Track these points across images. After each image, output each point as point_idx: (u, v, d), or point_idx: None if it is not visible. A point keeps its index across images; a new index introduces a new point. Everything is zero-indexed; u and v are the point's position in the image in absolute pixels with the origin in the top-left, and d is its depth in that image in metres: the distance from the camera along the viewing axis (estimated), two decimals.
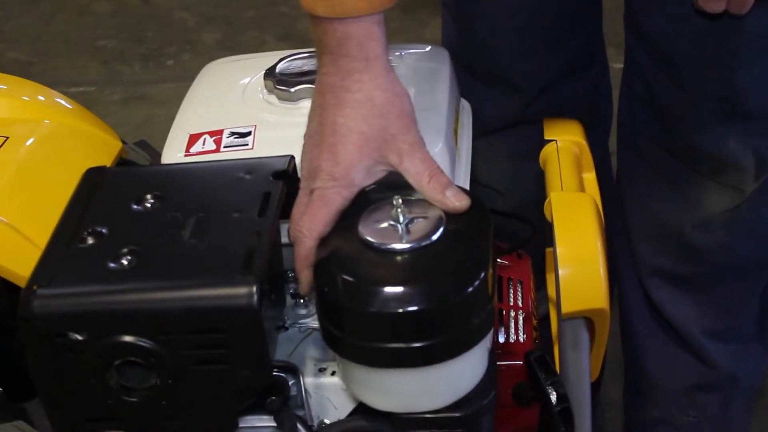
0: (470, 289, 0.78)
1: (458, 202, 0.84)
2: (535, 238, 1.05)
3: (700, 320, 1.29)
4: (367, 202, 0.85)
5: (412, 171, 0.85)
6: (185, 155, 0.98)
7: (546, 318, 1.12)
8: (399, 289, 0.78)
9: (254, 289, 0.78)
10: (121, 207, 0.87)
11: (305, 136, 0.88)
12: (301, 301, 0.97)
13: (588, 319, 0.98)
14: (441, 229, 0.82)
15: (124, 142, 1.23)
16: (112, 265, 0.81)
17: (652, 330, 1.33)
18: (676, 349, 1.32)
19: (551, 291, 1.12)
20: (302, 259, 0.86)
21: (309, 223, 0.85)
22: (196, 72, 1.22)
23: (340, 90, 0.85)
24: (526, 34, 1.22)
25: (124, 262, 0.81)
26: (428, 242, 0.81)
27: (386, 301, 0.78)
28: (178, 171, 0.94)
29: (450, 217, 0.83)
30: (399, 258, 0.80)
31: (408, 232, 0.82)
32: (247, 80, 1.07)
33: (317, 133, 0.86)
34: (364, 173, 0.86)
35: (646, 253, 1.28)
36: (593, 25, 1.27)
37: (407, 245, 0.81)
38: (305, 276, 0.86)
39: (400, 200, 0.83)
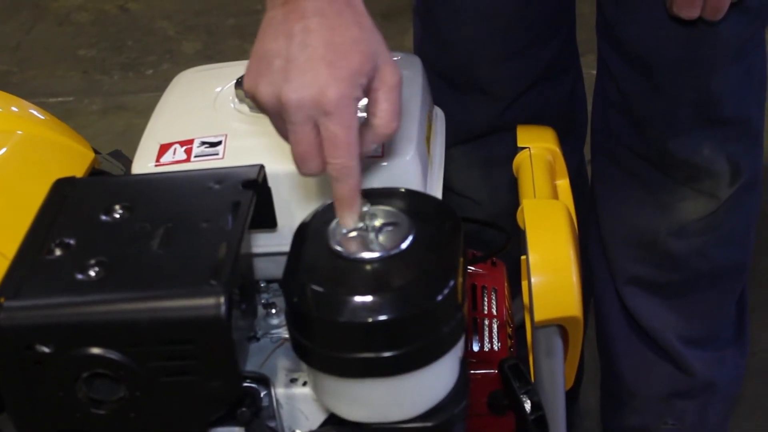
0: (439, 297, 0.78)
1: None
2: (509, 246, 1.05)
3: (677, 327, 1.29)
4: (334, 213, 0.85)
5: (383, 106, 0.80)
6: (156, 165, 0.97)
7: (522, 326, 1.12)
8: (368, 298, 0.77)
9: (222, 299, 0.77)
10: (90, 218, 0.87)
11: (263, 63, 0.80)
12: (273, 311, 0.96)
13: (561, 326, 0.98)
14: (410, 238, 0.81)
15: (97, 152, 1.22)
16: (79, 276, 0.80)
17: (628, 337, 1.33)
18: (653, 357, 1.32)
19: (526, 298, 1.12)
20: (353, 191, 0.80)
21: (345, 151, 0.78)
22: None
23: (331, 14, 0.78)
24: (499, 41, 1.22)
25: (92, 273, 0.80)
26: (397, 251, 0.80)
27: (355, 310, 0.77)
28: (148, 181, 0.93)
29: (420, 225, 0.83)
30: (368, 267, 0.80)
31: (377, 240, 0.81)
32: (218, 89, 1.06)
33: (304, 55, 0.77)
34: (361, 87, 0.79)
35: (621, 260, 1.28)
36: (567, 31, 1.27)
37: (376, 254, 0.80)
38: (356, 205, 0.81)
39: (369, 209, 0.83)
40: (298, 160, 0.81)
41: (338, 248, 0.81)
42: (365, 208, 0.83)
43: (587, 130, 1.36)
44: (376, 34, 0.81)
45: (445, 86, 1.24)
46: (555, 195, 1.05)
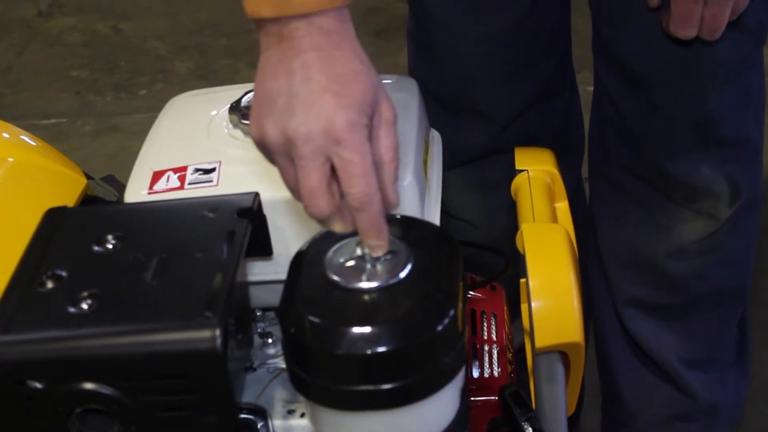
0: (440, 327, 0.77)
1: (395, 199, 0.80)
2: (508, 270, 1.03)
3: (678, 349, 1.27)
4: (331, 242, 0.83)
5: (385, 143, 0.78)
6: (149, 193, 0.96)
7: (522, 350, 1.10)
8: (366, 329, 0.76)
9: (217, 332, 0.76)
10: (82, 249, 0.85)
11: (266, 103, 0.77)
12: (269, 340, 0.95)
13: (563, 352, 0.96)
14: (409, 266, 0.80)
15: (90, 178, 1.21)
16: (71, 309, 0.79)
17: (629, 360, 1.31)
18: (654, 379, 1.30)
19: (526, 322, 1.10)
20: (378, 219, 0.78)
21: (362, 179, 0.75)
22: None
23: (330, 48, 0.76)
24: (494, 62, 1.21)
25: (84, 306, 0.79)
26: (396, 280, 0.79)
27: (353, 342, 0.76)
28: (141, 210, 0.92)
29: (418, 253, 0.81)
30: (366, 297, 0.79)
31: (375, 270, 0.80)
32: (212, 114, 1.05)
33: (307, 89, 0.75)
34: (368, 119, 0.77)
35: (620, 281, 1.27)
36: (562, 51, 1.25)
37: (374, 284, 0.79)
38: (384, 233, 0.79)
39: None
40: (308, 198, 0.77)
41: (336, 278, 0.80)
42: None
43: (584, 148, 1.35)
44: (373, 68, 0.79)
45: (440, 109, 1.23)
46: (554, 218, 1.04)
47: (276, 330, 0.96)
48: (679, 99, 1.12)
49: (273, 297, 0.97)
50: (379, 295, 0.78)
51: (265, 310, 0.99)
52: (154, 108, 2.76)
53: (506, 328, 1.10)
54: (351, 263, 0.81)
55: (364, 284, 0.79)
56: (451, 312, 0.77)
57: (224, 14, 3.14)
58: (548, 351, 0.95)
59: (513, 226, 1.26)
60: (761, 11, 1.05)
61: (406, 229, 0.85)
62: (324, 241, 0.84)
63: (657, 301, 1.25)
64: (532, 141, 1.22)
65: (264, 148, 0.79)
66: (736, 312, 1.28)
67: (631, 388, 1.34)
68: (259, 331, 0.96)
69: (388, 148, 0.79)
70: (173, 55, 2.97)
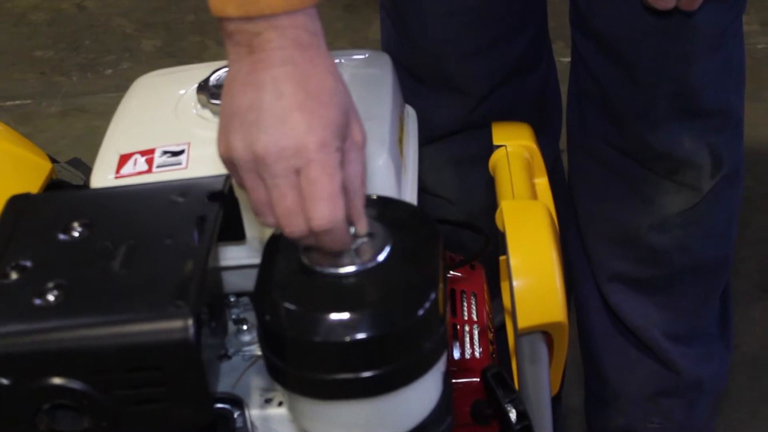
0: (420, 311, 0.74)
1: (364, 227, 0.77)
2: (488, 249, 1.01)
3: (662, 324, 1.26)
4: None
5: (355, 167, 0.75)
6: (116, 177, 0.92)
7: (502, 327, 1.08)
8: (344, 315, 0.73)
9: (189, 321, 0.73)
10: (47, 237, 0.82)
11: (234, 118, 0.73)
12: (244, 327, 0.92)
13: (546, 332, 0.94)
14: (387, 249, 0.77)
15: (55, 161, 1.17)
16: (37, 301, 0.75)
17: (611, 336, 1.29)
18: (638, 355, 1.28)
19: (507, 301, 1.08)
20: (341, 245, 0.75)
21: (327, 203, 0.72)
22: None
23: (302, 62, 0.72)
24: (468, 35, 1.18)
25: (51, 297, 0.76)
26: (374, 264, 0.76)
27: (331, 329, 0.73)
28: (107, 195, 0.88)
29: (396, 235, 0.79)
30: (343, 282, 0.76)
31: (352, 253, 0.77)
32: (179, 94, 1.01)
33: (279, 105, 0.71)
34: (340, 143, 0.73)
35: (602, 257, 1.25)
36: (538, 22, 1.23)
37: (352, 268, 0.76)
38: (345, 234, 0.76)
39: None
40: (283, 219, 0.74)
41: (311, 263, 0.77)
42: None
43: (562, 121, 1.32)
44: (347, 88, 0.75)
45: (415, 84, 1.20)
46: (534, 195, 1.01)
47: (251, 316, 0.93)
48: (659, 71, 1.10)
49: (247, 281, 0.94)
50: (357, 280, 0.76)
51: (239, 295, 0.96)
52: (121, 87, 2.70)
53: (487, 308, 1.08)
54: None
55: (341, 269, 0.76)
56: (432, 296, 0.75)
57: None
58: (531, 331, 0.93)
59: (491, 202, 1.24)
60: None
61: (383, 210, 0.82)
62: None
63: (639, 275, 1.23)
64: (509, 115, 1.19)
65: (231, 165, 0.75)
66: (718, 285, 1.26)
67: (614, 365, 1.32)
68: (233, 317, 0.93)
69: (358, 174, 0.75)
70: (139, 33, 2.92)
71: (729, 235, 1.24)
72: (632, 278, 1.24)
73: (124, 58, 2.79)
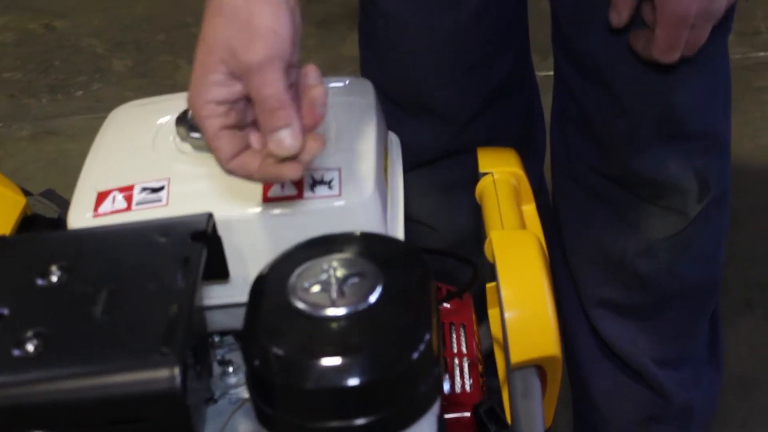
0: (415, 355, 0.71)
1: (279, 148, 0.75)
2: (477, 280, 0.99)
3: (650, 349, 1.24)
4: (293, 264, 0.78)
5: (253, 95, 0.75)
6: (94, 216, 0.90)
7: (490, 354, 1.06)
8: (336, 361, 0.71)
9: (176, 370, 0.70)
10: (24, 282, 0.79)
11: None
12: (230, 369, 0.89)
13: (539, 366, 0.92)
14: (378, 290, 0.75)
15: (29, 194, 1.15)
16: (16, 352, 0.73)
17: (599, 361, 1.28)
18: (627, 380, 1.26)
19: (494, 329, 1.06)
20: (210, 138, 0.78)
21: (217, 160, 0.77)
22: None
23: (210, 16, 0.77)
24: (449, 60, 1.15)
25: (30, 347, 0.73)
26: (365, 305, 0.74)
27: (323, 375, 0.70)
28: (86, 236, 0.86)
29: (387, 275, 0.76)
30: (334, 325, 0.73)
31: (342, 295, 0.75)
32: (157, 127, 0.99)
33: None
34: (208, 93, 0.76)
35: (588, 282, 1.23)
36: (520, 46, 1.21)
37: (342, 310, 0.74)
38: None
39: (332, 260, 0.76)
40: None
41: (300, 305, 0.74)
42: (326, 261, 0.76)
43: (546, 145, 1.30)
44: (252, 19, 0.75)
45: (395, 110, 1.18)
46: (523, 223, 0.99)
47: (236, 356, 0.91)
48: (644, 94, 1.08)
49: (231, 320, 0.92)
50: (348, 323, 0.73)
51: (222, 334, 0.93)
52: (92, 109, 2.67)
53: (476, 339, 1.05)
54: (316, 288, 0.75)
55: (332, 311, 0.74)
56: (427, 337, 0.72)
57: (161, 8, 3.06)
58: (524, 366, 0.90)
59: (474, 229, 1.22)
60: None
61: (372, 248, 0.79)
62: (285, 264, 0.79)
63: (627, 300, 1.22)
64: (492, 140, 1.17)
65: None
66: (707, 308, 1.25)
67: (602, 389, 1.30)
68: (218, 358, 0.91)
69: (258, 100, 0.76)
70: (110, 53, 2.89)
71: (717, 258, 1.22)
72: (619, 304, 1.22)
73: (95, 78, 2.76)
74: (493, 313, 1.09)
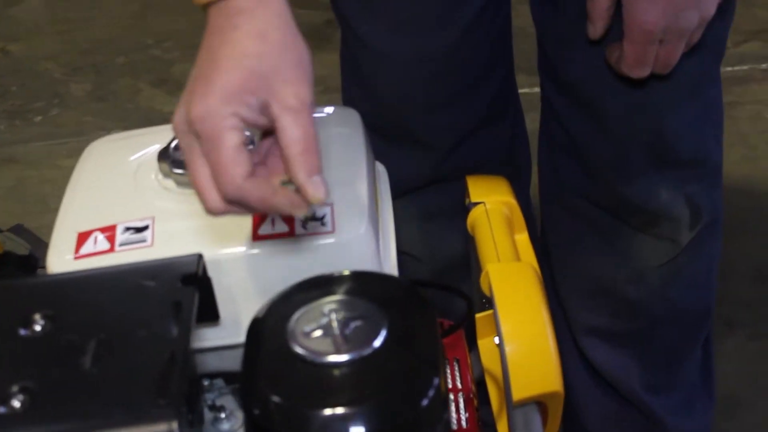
0: (425, 401, 0.69)
1: (317, 193, 0.72)
2: (471, 314, 0.96)
3: (641, 376, 1.22)
4: (292, 307, 0.75)
5: (290, 134, 0.71)
6: (75, 258, 0.86)
7: (481, 382, 1.03)
8: (343, 410, 0.68)
9: (174, 424, 0.67)
10: (7, 333, 0.75)
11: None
12: (222, 415, 0.85)
13: (540, 402, 0.89)
14: (383, 333, 0.72)
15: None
16: (1, 409, 0.69)
17: (591, 389, 1.25)
18: (619, 408, 1.24)
19: (486, 361, 1.03)
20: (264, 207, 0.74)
21: (224, 177, 0.71)
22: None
23: (227, 29, 0.73)
24: (434, 86, 1.13)
25: (16, 403, 0.69)
26: (370, 351, 0.71)
27: (328, 425, 0.68)
28: (69, 282, 0.81)
29: (390, 316, 0.73)
30: (338, 372, 0.70)
31: (345, 339, 0.71)
32: (137, 162, 0.95)
33: (195, 74, 0.73)
34: (243, 105, 0.71)
35: (578, 310, 1.20)
36: (505, 71, 1.18)
37: (346, 356, 0.70)
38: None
39: (331, 302, 0.73)
40: (198, 194, 0.74)
41: (302, 351, 0.71)
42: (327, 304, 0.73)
43: (531, 172, 1.28)
44: (286, 53, 0.73)
45: (378, 138, 1.14)
46: (518, 254, 0.96)
47: (228, 402, 0.87)
48: (634, 122, 1.06)
49: (221, 363, 0.89)
50: (352, 369, 0.70)
51: (212, 377, 0.89)
52: (51, 135, 2.61)
53: (470, 373, 1.02)
54: (317, 333, 0.72)
55: (335, 357, 0.71)
56: (435, 382, 0.70)
57: (119, 31, 3.01)
58: (526, 403, 0.88)
59: (460, 259, 1.19)
60: (718, 26, 0.99)
61: (372, 288, 0.77)
62: (282, 307, 0.76)
63: (617, 328, 1.19)
64: (476, 167, 1.15)
65: None
66: (699, 335, 1.23)
67: (596, 419, 1.28)
68: (209, 403, 0.87)
69: (295, 141, 0.72)
70: (68, 77, 2.83)
71: (710, 284, 1.20)
72: (609, 331, 1.20)
73: (54, 104, 2.70)
74: (483, 343, 1.06)
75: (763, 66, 2.41)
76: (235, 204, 0.73)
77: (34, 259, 1.20)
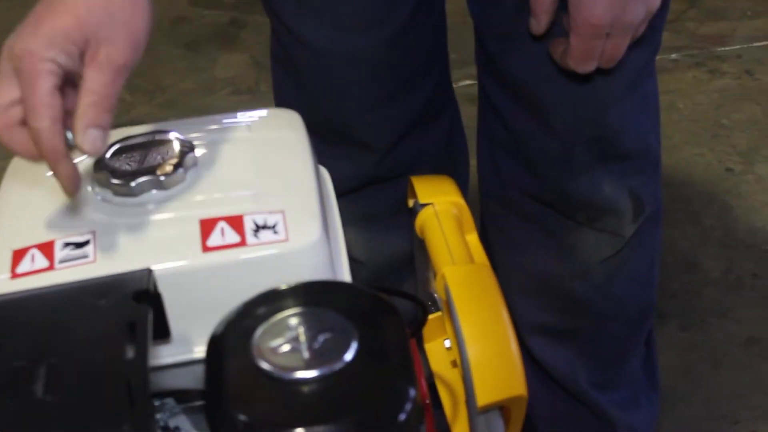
0: (402, 416, 0.66)
1: (87, 144, 0.76)
2: (426, 319, 0.93)
3: (587, 373, 1.21)
4: (254, 321, 0.71)
5: (87, 85, 0.75)
6: (12, 277, 0.80)
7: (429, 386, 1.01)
8: (317, 429, 0.64)
9: None
10: None
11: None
12: None
13: (502, 407, 0.87)
14: (354, 346, 0.68)
15: None
16: None
17: (540, 388, 1.24)
18: (568, 406, 1.23)
19: (434, 364, 1.01)
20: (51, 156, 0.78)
21: (31, 113, 0.74)
22: None
23: None
24: (370, 85, 1.10)
25: None
26: (341, 365, 0.67)
27: None
28: (9, 303, 0.76)
29: (358, 327, 0.70)
30: (310, 389, 0.67)
31: (314, 354, 0.68)
32: None
33: (34, 10, 0.77)
34: (63, 52, 0.75)
35: (524, 309, 1.19)
36: (441, 69, 1.16)
37: (317, 371, 0.67)
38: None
39: (298, 316, 0.70)
40: None
41: (270, 367, 0.67)
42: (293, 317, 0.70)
43: (469, 170, 1.26)
44: (119, 12, 0.77)
45: (314, 138, 1.11)
46: (471, 256, 0.94)
47: (182, 422, 0.83)
48: (575, 116, 1.05)
49: (171, 381, 0.85)
50: (325, 385, 0.67)
51: (162, 396, 0.85)
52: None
53: (423, 378, 1.00)
54: (285, 347, 0.69)
55: (306, 373, 0.67)
56: (412, 395, 0.67)
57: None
58: (489, 408, 0.85)
59: (397, 260, 1.17)
60: (656, 19, 0.99)
61: (335, 298, 0.73)
62: (244, 321, 0.72)
63: (564, 325, 1.19)
64: (414, 166, 1.13)
65: None
66: (643, 330, 1.23)
67: (546, 418, 1.27)
68: (161, 424, 0.83)
69: (88, 92, 0.76)
70: None
71: (651, 279, 1.20)
72: (555, 329, 1.19)
73: None
74: (431, 347, 1.04)
75: (673, 56, 2.44)
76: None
77: None
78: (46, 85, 0.74)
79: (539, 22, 0.97)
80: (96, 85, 0.75)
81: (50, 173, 0.90)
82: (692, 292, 1.78)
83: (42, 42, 0.74)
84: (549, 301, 1.17)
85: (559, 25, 0.97)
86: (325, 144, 1.13)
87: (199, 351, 0.81)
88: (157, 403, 0.85)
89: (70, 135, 0.77)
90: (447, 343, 1.00)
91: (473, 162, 1.25)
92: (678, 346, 1.67)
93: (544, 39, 1.00)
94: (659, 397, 1.30)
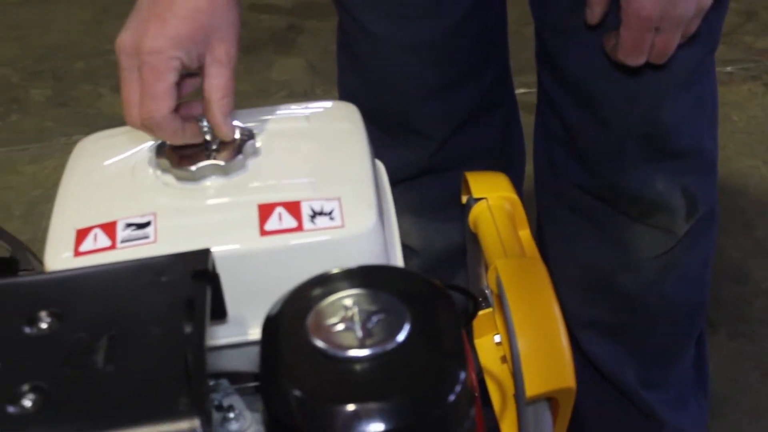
0: (452, 397, 0.67)
1: (229, 131, 0.88)
2: (477, 309, 0.94)
3: (637, 371, 1.21)
4: (309, 302, 0.72)
5: (215, 82, 0.86)
6: (75, 256, 0.83)
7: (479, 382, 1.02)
8: (368, 406, 0.65)
9: (197, 422, 0.64)
10: (11, 332, 0.72)
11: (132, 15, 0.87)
12: (230, 415, 0.83)
13: (551, 398, 0.88)
14: (407, 327, 0.70)
15: None
16: (11, 409, 0.66)
17: (588, 384, 1.24)
18: (616, 403, 1.24)
19: (484, 359, 1.02)
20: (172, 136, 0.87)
21: (151, 101, 0.84)
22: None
23: None
24: (431, 73, 1.12)
25: (27, 403, 0.66)
26: (394, 345, 0.69)
27: (354, 421, 0.65)
28: (74, 278, 0.79)
29: (412, 309, 0.71)
30: (363, 367, 0.68)
31: (368, 333, 0.69)
32: (133, 158, 0.92)
33: (148, 9, 0.85)
34: (186, 52, 0.84)
35: (575, 304, 1.19)
36: (500, 61, 1.17)
37: (370, 351, 0.68)
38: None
39: (352, 297, 0.71)
40: (123, 107, 0.87)
41: (324, 345, 0.69)
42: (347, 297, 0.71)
43: (524, 164, 1.27)
44: (227, 14, 0.85)
45: (372, 127, 1.13)
46: (523, 250, 0.95)
47: (236, 401, 0.85)
48: (630, 112, 1.06)
49: (227, 362, 0.87)
50: (377, 364, 0.68)
51: (216, 377, 0.87)
52: (12, 141, 2.55)
53: (474, 373, 1.01)
54: (339, 327, 0.70)
55: (359, 351, 0.68)
56: (462, 377, 0.68)
57: (77, 36, 2.97)
58: (537, 400, 0.86)
59: (452, 251, 1.18)
60: (712, 18, 0.99)
61: (391, 282, 0.75)
62: (299, 302, 0.73)
63: (614, 322, 1.19)
64: (470, 157, 1.14)
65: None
66: (694, 330, 1.23)
67: (593, 414, 1.27)
68: (216, 404, 0.84)
69: (217, 88, 0.87)
70: (26, 83, 2.78)
71: (704, 278, 1.20)
72: (606, 325, 1.20)
73: (12, 109, 2.65)
74: (481, 343, 1.05)
75: (728, 69, 2.43)
76: (148, 128, 0.87)
77: (16, 261, 1.16)
78: (171, 80, 0.84)
79: (593, 12, 0.98)
80: (223, 80, 0.86)
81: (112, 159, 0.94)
82: (742, 302, 1.78)
83: (170, 43, 0.83)
84: (600, 297, 1.18)
85: (613, 18, 0.98)
86: (383, 132, 1.15)
87: (254, 333, 0.83)
88: (212, 383, 0.86)
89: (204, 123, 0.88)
90: (497, 338, 1.01)
91: (529, 167, 1.26)
92: (727, 355, 1.66)
93: (598, 32, 1.01)
94: (709, 401, 1.30)
